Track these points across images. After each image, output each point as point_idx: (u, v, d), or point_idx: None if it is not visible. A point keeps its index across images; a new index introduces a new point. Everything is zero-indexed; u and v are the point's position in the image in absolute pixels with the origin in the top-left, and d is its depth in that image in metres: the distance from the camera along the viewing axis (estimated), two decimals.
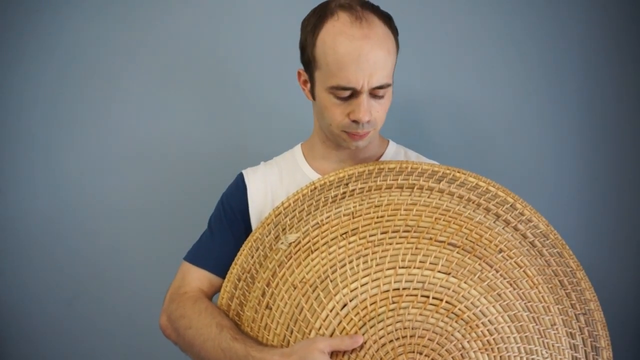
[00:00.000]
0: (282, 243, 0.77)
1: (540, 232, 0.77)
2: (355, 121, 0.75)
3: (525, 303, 0.70)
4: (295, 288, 0.73)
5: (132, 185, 1.17)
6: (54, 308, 1.17)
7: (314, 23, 0.76)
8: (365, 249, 0.72)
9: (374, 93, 0.75)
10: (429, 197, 0.77)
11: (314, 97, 0.80)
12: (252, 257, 0.79)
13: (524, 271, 0.72)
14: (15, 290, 1.18)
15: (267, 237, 0.80)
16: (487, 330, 0.67)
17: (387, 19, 0.77)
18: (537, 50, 1.09)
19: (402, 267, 0.70)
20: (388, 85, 0.76)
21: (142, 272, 1.16)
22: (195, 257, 0.84)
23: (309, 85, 0.81)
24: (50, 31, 1.15)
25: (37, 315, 1.18)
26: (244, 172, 0.88)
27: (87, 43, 1.15)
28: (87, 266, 1.17)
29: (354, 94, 0.75)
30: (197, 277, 0.83)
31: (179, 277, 0.84)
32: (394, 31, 0.78)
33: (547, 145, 1.10)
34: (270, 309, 0.74)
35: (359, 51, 0.72)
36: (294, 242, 0.76)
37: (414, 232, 0.73)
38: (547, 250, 0.76)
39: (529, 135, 1.11)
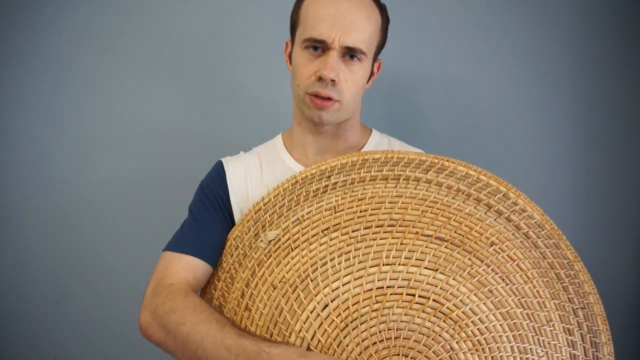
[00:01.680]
0: (261, 241, 0.73)
1: (535, 222, 0.72)
2: (320, 78, 0.74)
3: (518, 299, 0.66)
4: (274, 288, 0.69)
5: (119, 182, 1.14)
6: (42, 306, 1.14)
7: None
8: (348, 245, 0.68)
9: (345, 57, 0.75)
10: (415, 189, 0.72)
11: (291, 62, 0.80)
12: (232, 256, 0.76)
13: (517, 265, 0.68)
14: (2, 288, 1.14)
15: (246, 234, 0.76)
16: (478, 329, 0.63)
17: (377, 1, 0.78)
18: (531, 39, 1.06)
19: (386, 264, 0.66)
20: (362, 53, 0.75)
21: (132, 270, 1.10)
22: (179, 244, 0.77)
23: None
24: (38, 25, 1.12)
25: (26, 313, 1.14)
26: (222, 160, 0.84)
27: (68, 36, 1.12)
28: (76, 264, 1.14)
29: (325, 50, 0.74)
30: (183, 266, 0.74)
31: (160, 268, 0.75)
32: (383, 14, 0.79)
33: (540, 134, 1.06)
34: (250, 310, 0.70)
35: (336, 7, 0.73)
36: (273, 239, 0.72)
37: (399, 226, 0.69)
38: (542, 241, 0.71)
39: (521, 124, 1.07)
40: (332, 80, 0.73)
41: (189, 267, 0.75)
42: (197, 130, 1.12)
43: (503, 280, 0.66)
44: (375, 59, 0.80)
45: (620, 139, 1.04)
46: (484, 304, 0.64)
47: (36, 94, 1.13)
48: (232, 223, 0.79)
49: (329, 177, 0.76)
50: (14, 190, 1.14)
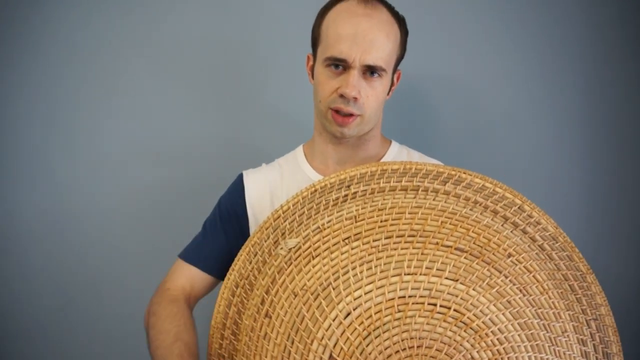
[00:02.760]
0: (281, 248, 0.74)
1: (549, 234, 0.74)
2: (342, 96, 0.76)
3: (535, 310, 0.67)
4: (296, 296, 0.70)
5: (128, 188, 1.14)
6: (46, 314, 1.14)
7: (326, 6, 0.80)
8: (369, 254, 0.69)
9: (366, 74, 0.76)
10: (434, 200, 0.74)
11: (313, 76, 0.82)
12: (250, 262, 0.76)
13: (533, 276, 0.69)
14: (6, 295, 1.14)
15: (265, 241, 0.76)
16: (497, 339, 0.64)
17: (396, 15, 0.80)
18: (537, 45, 1.08)
19: (408, 274, 0.67)
20: (382, 70, 0.76)
21: (136, 278, 1.13)
22: (186, 253, 0.85)
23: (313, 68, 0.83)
24: (46, 29, 1.12)
25: (29, 321, 1.15)
26: (244, 172, 0.87)
27: (84, 41, 1.12)
28: (80, 272, 1.14)
29: (346, 68, 0.76)
30: (183, 274, 0.82)
31: (169, 271, 0.84)
32: (402, 28, 0.80)
33: (548, 143, 1.08)
34: (270, 317, 0.70)
35: (356, 26, 0.75)
36: (294, 247, 0.73)
37: (420, 236, 0.70)
38: (556, 253, 0.73)
39: (531, 127, 1.09)
40: (354, 98, 0.76)
41: (189, 275, 0.82)
42: (219, 139, 1.12)
43: (520, 291, 0.68)
44: (394, 70, 0.82)
45: (626, 141, 1.05)
46: (502, 314, 0.66)
47: (51, 98, 1.12)
48: (247, 235, 0.81)
49: (349, 186, 0.77)
50: (19, 197, 1.13)
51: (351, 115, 0.77)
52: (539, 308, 0.68)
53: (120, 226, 1.14)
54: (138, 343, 1.07)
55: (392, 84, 0.83)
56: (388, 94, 0.82)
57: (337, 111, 0.77)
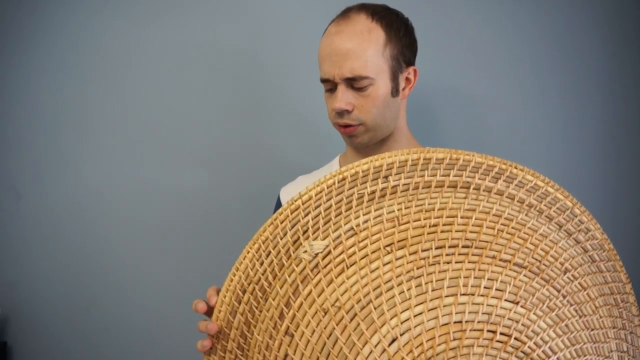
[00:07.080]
0: (305, 252, 0.60)
1: (597, 242, 0.68)
2: (336, 111, 0.81)
3: (589, 332, 0.61)
4: (326, 313, 0.58)
5: (151, 192, 1.15)
6: (71, 315, 1.17)
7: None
8: (418, 268, 0.58)
9: (353, 85, 0.79)
10: (487, 202, 0.63)
11: None
12: (262, 264, 0.62)
13: (587, 293, 0.63)
14: (32, 296, 1.17)
15: (281, 239, 0.62)
16: None
17: (379, 18, 0.79)
18: (547, 46, 1.05)
19: (465, 294, 0.57)
20: (364, 78, 0.78)
21: (160, 280, 1.15)
22: None
23: None
24: (67, 32, 1.14)
25: (55, 321, 1.18)
26: (281, 190, 0.90)
27: (106, 41, 1.14)
28: (105, 273, 1.17)
29: (335, 85, 0.80)
30: None
31: None
32: (390, 27, 0.80)
33: (557, 144, 1.06)
34: (292, 336, 0.58)
35: (330, 45, 0.80)
36: (321, 251, 0.60)
37: (475, 248, 0.60)
38: (604, 264, 0.67)
39: (539, 135, 1.07)
40: (346, 110, 0.80)
41: None
42: (261, 150, 1.12)
43: (577, 312, 0.61)
44: (399, 69, 0.82)
45: (630, 152, 1.04)
46: (561, 341, 0.59)
47: (60, 97, 1.14)
48: None
49: (387, 177, 0.64)
50: (43, 198, 1.16)
51: (350, 125, 0.81)
52: (592, 330, 0.62)
53: (143, 231, 1.16)
54: (159, 345, 1.13)
55: (402, 84, 0.83)
56: (397, 94, 0.82)
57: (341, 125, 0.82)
